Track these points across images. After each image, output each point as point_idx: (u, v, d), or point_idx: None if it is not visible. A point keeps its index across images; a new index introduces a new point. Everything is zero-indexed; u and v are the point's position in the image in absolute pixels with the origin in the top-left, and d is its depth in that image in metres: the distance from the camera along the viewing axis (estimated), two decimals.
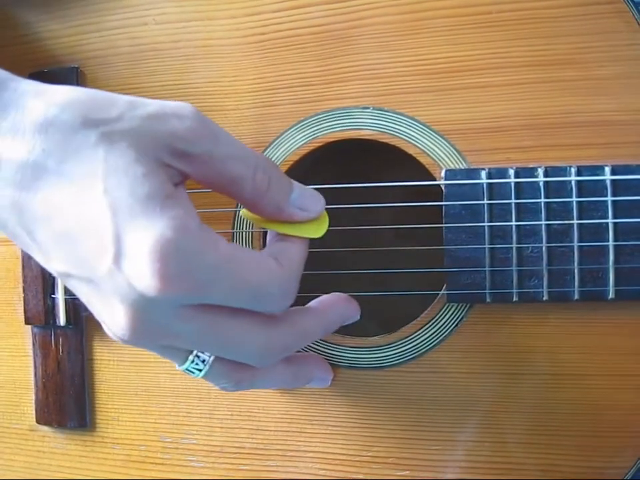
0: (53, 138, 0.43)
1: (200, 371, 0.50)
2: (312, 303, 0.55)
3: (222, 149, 0.46)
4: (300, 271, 0.49)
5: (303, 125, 0.62)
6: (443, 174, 0.59)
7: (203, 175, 0.46)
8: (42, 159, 0.43)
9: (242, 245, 0.63)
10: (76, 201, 0.42)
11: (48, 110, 0.43)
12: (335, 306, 0.56)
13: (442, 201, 0.58)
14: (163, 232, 0.41)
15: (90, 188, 0.42)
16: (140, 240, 0.41)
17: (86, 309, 0.48)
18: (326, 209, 0.52)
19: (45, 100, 0.44)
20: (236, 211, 0.63)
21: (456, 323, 0.59)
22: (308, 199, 0.51)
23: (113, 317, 0.44)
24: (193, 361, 0.49)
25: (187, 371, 0.50)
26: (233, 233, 0.63)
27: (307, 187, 0.51)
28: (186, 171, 0.45)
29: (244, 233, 0.63)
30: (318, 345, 0.62)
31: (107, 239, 0.42)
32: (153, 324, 0.44)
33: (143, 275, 0.41)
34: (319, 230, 0.51)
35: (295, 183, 0.51)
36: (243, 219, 0.63)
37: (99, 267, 0.42)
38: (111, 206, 0.41)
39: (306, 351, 0.62)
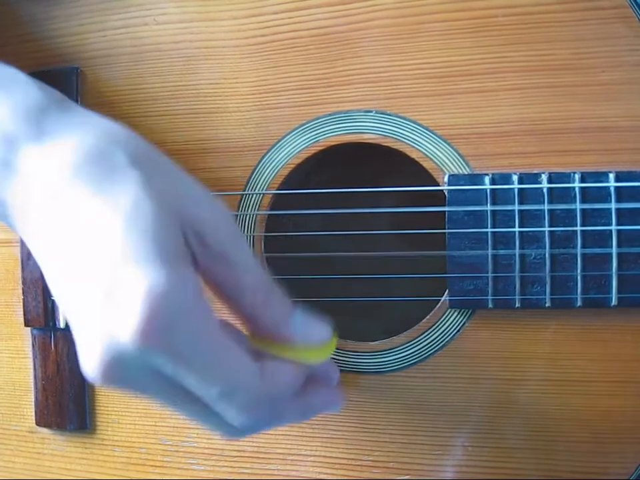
0: (99, 167, 0.43)
1: None
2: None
3: (237, 254, 0.46)
4: (279, 396, 0.47)
5: (305, 128, 0.62)
6: (446, 179, 0.58)
7: (210, 270, 0.46)
8: (82, 181, 0.43)
9: (245, 228, 0.63)
10: (93, 229, 0.42)
11: (107, 140, 0.45)
12: (318, 394, 0.52)
13: (445, 206, 0.58)
14: (161, 283, 0.40)
15: (111, 218, 0.42)
16: (136, 283, 0.40)
17: None
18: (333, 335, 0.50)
19: (105, 132, 0.45)
20: (242, 194, 0.63)
21: (458, 328, 0.59)
22: (310, 326, 0.49)
23: (88, 355, 0.43)
24: None
25: None
26: (237, 215, 0.63)
27: (310, 317, 0.49)
28: (198, 258, 0.45)
29: (247, 216, 0.63)
30: None
31: (105, 275, 0.41)
32: (123, 377, 0.43)
33: (126, 320, 0.40)
34: (320, 356, 0.50)
35: (299, 310, 0.49)
36: (248, 204, 0.62)
37: (90, 299, 0.42)
38: (123, 243, 0.41)
39: None
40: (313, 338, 0.49)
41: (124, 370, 0.42)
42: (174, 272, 0.41)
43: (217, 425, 0.47)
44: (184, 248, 0.44)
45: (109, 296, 0.41)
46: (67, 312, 0.45)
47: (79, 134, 0.45)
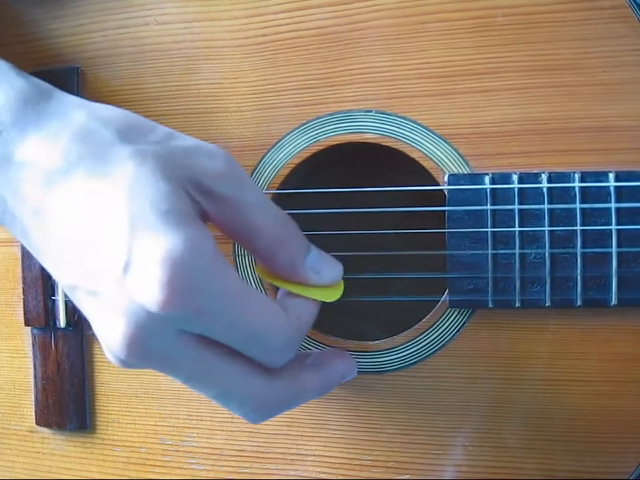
0: (89, 148, 0.44)
1: None
2: (310, 360, 0.53)
3: (246, 196, 0.46)
4: (306, 331, 0.49)
5: (305, 127, 0.62)
6: (446, 179, 0.58)
7: (222, 218, 0.46)
8: (74, 166, 0.43)
9: None
10: (97, 209, 0.42)
11: (90, 122, 0.45)
12: (335, 362, 0.53)
13: (445, 206, 0.58)
14: (175, 246, 0.40)
15: (113, 197, 0.42)
16: (151, 251, 0.41)
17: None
18: (344, 277, 0.51)
19: (88, 112, 0.45)
20: None
21: (458, 328, 0.59)
22: (324, 264, 0.50)
23: (111, 333, 0.43)
24: None
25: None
26: None
27: (326, 253, 0.51)
28: (206, 209, 0.45)
29: None
30: (318, 349, 0.62)
31: (119, 249, 0.41)
32: (150, 345, 0.43)
33: (147, 286, 0.41)
34: (333, 295, 0.50)
35: (314, 247, 0.50)
36: None
37: (106, 277, 0.42)
38: (130, 216, 0.41)
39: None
40: (326, 278, 0.50)
41: (151, 339, 0.43)
42: (186, 232, 0.41)
43: (239, 403, 0.47)
44: (190, 206, 0.44)
45: (126, 268, 0.41)
46: (79, 294, 0.45)
47: (64, 119, 0.45)
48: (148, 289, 0.41)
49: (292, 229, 0.49)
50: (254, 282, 0.62)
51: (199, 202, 0.45)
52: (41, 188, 0.44)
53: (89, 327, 0.64)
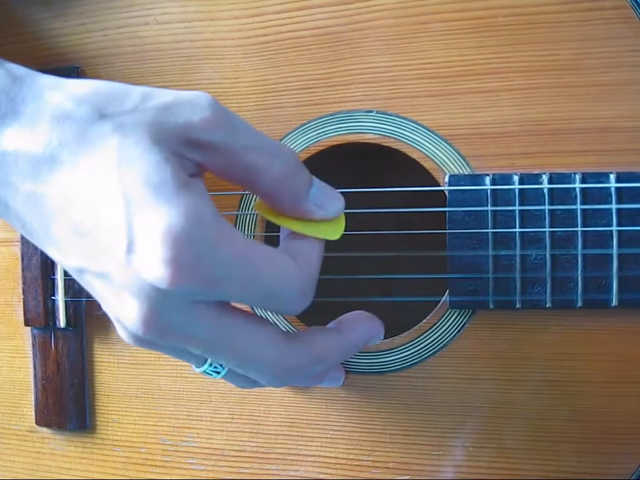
0: (69, 130, 0.43)
1: (218, 373, 0.49)
2: (333, 323, 0.53)
3: (240, 139, 0.45)
4: (317, 272, 0.47)
5: (306, 128, 0.62)
6: (446, 179, 0.58)
7: (219, 166, 0.45)
8: (58, 151, 0.43)
9: (244, 228, 0.63)
10: (90, 192, 0.42)
11: (65, 103, 0.43)
12: (357, 326, 0.53)
13: (445, 207, 0.58)
14: (175, 220, 0.40)
15: (104, 178, 0.41)
16: (151, 228, 0.40)
17: (92, 310, 0.47)
18: (344, 212, 0.50)
19: (62, 93, 0.44)
20: (242, 194, 0.63)
21: (458, 329, 0.59)
22: (328, 197, 0.49)
23: (125, 312, 0.43)
24: (211, 364, 0.49)
25: (205, 373, 0.49)
26: (237, 215, 0.63)
27: (328, 185, 0.50)
28: (201, 162, 0.44)
29: (247, 216, 0.63)
30: None
31: (119, 230, 0.41)
32: (166, 320, 0.43)
33: (152, 265, 0.40)
34: (335, 232, 0.49)
35: (316, 179, 0.49)
36: (248, 204, 0.62)
37: (111, 259, 0.42)
38: (124, 195, 0.41)
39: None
40: (329, 211, 0.49)
41: (166, 314, 0.42)
42: (183, 203, 0.41)
43: (258, 369, 0.47)
44: (183, 168, 0.43)
45: (129, 248, 0.41)
46: (87, 277, 0.45)
47: (39, 103, 0.44)
48: (154, 268, 0.40)
49: (293, 162, 0.47)
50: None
51: (191, 157, 0.44)
52: (29, 176, 0.43)
53: (89, 326, 0.66)
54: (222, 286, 0.42)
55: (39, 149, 0.43)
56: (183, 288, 0.41)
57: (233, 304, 0.46)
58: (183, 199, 0.41)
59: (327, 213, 0.49)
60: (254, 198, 0.63)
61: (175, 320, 0.43)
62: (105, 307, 0.46)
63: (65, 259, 0.45)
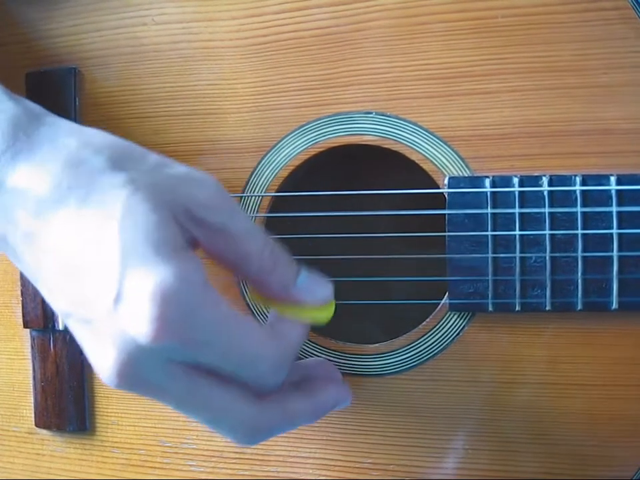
0: (81, 177, 0.43)
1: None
2: (305, 385, 0.53)
3: (236, 224, 0.46)
4: (295, 353, 0.49)
5: (305, 129, 0.61)
6: (446, 181, 0.58)
7: (212, 245, 0.46)
8: (65, 194, 0.43)
9: None
10: (89, 238, 0.42)
11: (81, 150, 0.44)
12: (327, 392, 0.53)
13: (445, 209, 0.58)
14: (166, 279, 0.41)
15: (105, 227, 0.42)
16: (142, 284, 0.41)
17: None
18: (335, 300, 0.52)
19: (79, 139, 0.45)
20: (240, 196, 0.63)
21: (458, 331, 0.59)
22: (315, 285, 0.50)
23: (103, 360, 0.43)
24: None
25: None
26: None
27: (315, 274, 0.51)
28: (198, 238, 0.46)
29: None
30: (319, 352, 0.62)
31: (110, 280, 0.41)
32: (141, 374, 0.43)
33: (137, 319, 0.41)
34: (324, 316, 0.51)
35: (303, 269, 0.51)
36: (247, 206, 0.62)
37: (98, 307, 0.42)
38: (122, 247, 0.41)
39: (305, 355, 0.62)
40: (317, 297, 0.50)
41: (141, 369, 0.43)
42: (177, 265, 0.41)
43: (230, 427, 0.48)
44: (181, 235, 0.44)
45: (117, 300, 0.41)
46: (71, 322, 0.45)
47: (54, 146, 0.45)
48: (138, 322, 0.41)
49: (281, 254, 0.49)
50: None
51: (189, 230, 0.45)
52: (32, 215, 0.44)
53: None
54: (200, 349, 0.43)
55: (46, 190, 0.43)
56: (163, 345, 0.41)
57: None
58: (178, 261, 0.42)
59: (314, 299, 0.50)
60: (253, 200, 0.63)
61: (149, 375, 0.44)
62: (86, 353, 0.46)
63: (52, 299, 0.46)
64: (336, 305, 0.52)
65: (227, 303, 0.44)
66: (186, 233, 0.45)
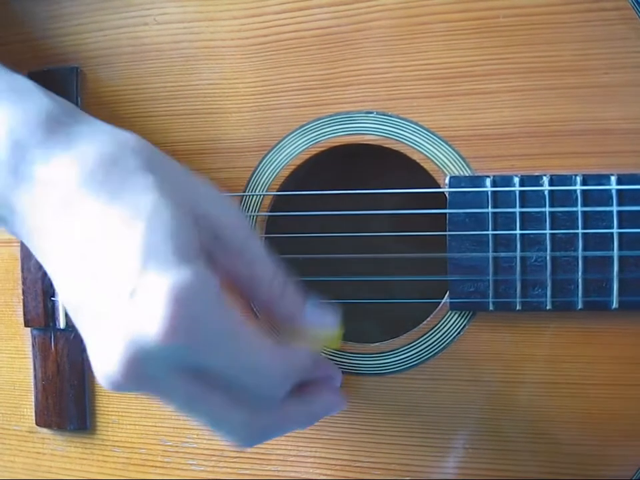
0: (114, 174, 0.44)
1: None
2: (299, 391, 0.53)
3: (252, 249, 0.48)
4: (301, 374, 0.50)
5: (306, 129, 0.62)
6: (447, 181, 0.58)
7: (227, 265, 0.48)
8: (97, 188, 0.44)
9: None
10: (113, 233, 0.43)
11: (117, 150, 0.45)
12: (321, 398, 0.53)
13: (446, 208, 0.58)
14: (183, 280, 0.41)
15: (131, 224, 0.43)
16: (159, 282, 0.41)
17: None
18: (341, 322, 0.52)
19: (116, 140, 0.46)
20: (242, 195, 0.63)
21: (459, 330, 0.59)
22: (322, 313, 0.51)
23: (109, 355, 0.43)
24: None
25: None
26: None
27: (323, 307, 0.52)
28: (214, 254, 0.47)
29: (247, 217, 0.63)
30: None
31: (129, 274, 0.42)
32: (146, 372, 0.43)
33: (151, 317, 0.41)
34: (333, 342, 0.52)
35: (310, 301, 0.51)
36: (248, 205, 0.63)
37: (112, 301, 0.42)
38: (145, 245, 0.42)
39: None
40: (324, 327, 0.51)
41: (147, 367, 0.43)
42: (195, 269, 0.42)
43: (230, 430, 0.48)
44: (201, 248, 0.45)
45: (132, 296, 0.42)
46: (81, 315, 0.45)
47: (91, 142, 0.46)
48: (151, 320, 0.41)
49: (290, 283, 0.51)
50: None
51: (208, 246, 0.46)
52: (59, 207, 0.44)
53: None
54: (208, 354, 0.43)
55: (79, 180, 0.44)
56: (172, 347, 0.41)
57: None
58: (197, 265, 0.43)
59: (321, 326, 0.51)
60: (254, 199, 0.63)
61: (154, 375, 0.44)
62: (89, 349, 0.45)
63: (66, 292, 0.45)
64: (343, 334, 0.53)
65: (239, 312, 0.45)
66: (204, 244, 0.46)
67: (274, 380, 0.47)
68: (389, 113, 0.60)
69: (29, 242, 0.47)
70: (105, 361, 0.43)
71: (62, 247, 0.44)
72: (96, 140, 0.46)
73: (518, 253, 0.56)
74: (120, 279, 0.42)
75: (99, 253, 0.43)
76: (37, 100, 0.47)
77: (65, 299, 0.46)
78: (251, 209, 0.63)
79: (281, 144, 0.62)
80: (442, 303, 0.59)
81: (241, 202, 0.63)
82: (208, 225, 0.46)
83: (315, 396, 0.53)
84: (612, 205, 0.55)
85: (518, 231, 0.56)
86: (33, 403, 0.68)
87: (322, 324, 0.51)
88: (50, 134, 0.46)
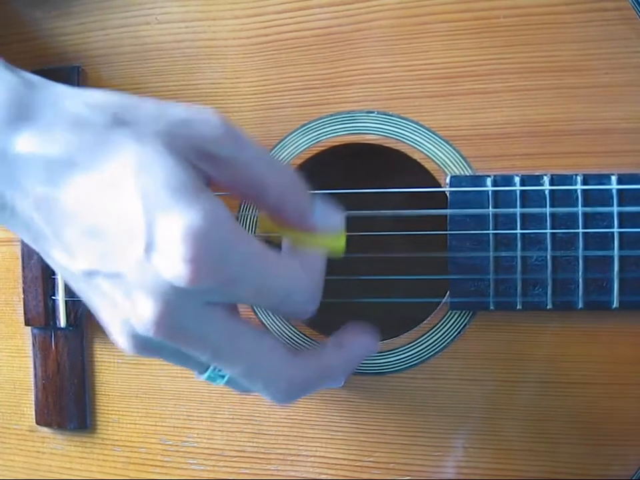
0: (86, 136, 0.44)
1: (223, 377, 0.49)
2: (333, 338, 0.54)
3: (247, 153, 0.47)
4: (322, 279, 0.50)
5: (307, 128, 0.62)
6: (447, 180, 0.58)
7: (227, 178, 0.47)
8: (76, 155, 0.43)
9: (245, 229, 0.63)
10: (106, 195, 0.43)
11: (83, 110, 0.44)
12: (357, 340, 0.54)
13: (446, 208, 0.58)
14: (195, 220, 0.41)
15: (121, 181, 0.42)
16: (172, 228, 0.41)
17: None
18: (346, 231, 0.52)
19: (80, 100, 0.45)
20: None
21: (459, 330, 0.59)
22: (330, 211, 0.51)
23: (138, 312, 0.43)
24: (214, 368, 0.49)
25: (208, 379, 0.50)
26: (238, 216, 0.63)
27: (327, 201, 0.51)
28: (211, 174, 0.46)
29: (248, 217, 0.63)
30: None
31: (137, 229, 0.42)
32: (180, 320, 0.43)
33: (172, 263, 0.41)
34: (338, 245, 0.52)
35: (317, 197, 0.51)
36: (248, 207, 0.63)
37: (128, 259, 0.42)
38: (143, 197, 0.42)
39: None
40: (331, 223, 0.51)
41: (181, 314, 0.43)
42: (202, 205, 0.42)
43: (264, 381, 0.48)
44: (199, 176, 0.45)
45: (149, 249, 0.42)
46: (99, 283, 0.45)
47: (57, 109, 0.45)
48: (175, 267, 0.41)
49: (298, 182, 0.50)
50: None
51: (203, 169, 0.45)
52: (44, 180, 0.44)
53: (89, 326, 0.66)
54: (238, 285, 0.44)
55: (55, 153, 0.43)
56: (201, 286, 0.42)
57: None
58: (202, 202, 0.42)
59: (328, 226, 0.51)
60: None
61: (188, 320, 0.44)
62: (107, 313, 0.46)
63: (74, 262, 0.45)
64: (347, 237, 0.52)
65: (254, 236, 0.45)
66: (200, 172, 0.45)
67: (305, 294, 0.47)
68: (390, 113, 0.60)
69: (14, 225, 0.46)
70: (135, 321, 0.44)
71: (59, 223, 0.44)
72: (60, 104, 0.45)
73: (518, 253, 0.56)
74: (131, 237, 0.42)
75: (102, 220, 0.43)
76: (1, 78, 0.46)
77: (73, 270, 0.45)
78: (251, 208, 0.63)
79: (282, 143, 0.62)
80: (442, 303, 0.59)
81: (242, 202, 0.63)
82: (195, 149, 0.45)
83: (351, 342, 0.53)
84: (612, 205, 0.55)
85: (519, 231, 0.56)
86: (33, 402, 0.68)
87: (329, 222, 0.51)
88: (14, 109, 0.44)
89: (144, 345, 0.45)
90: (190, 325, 0.44)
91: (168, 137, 0.44)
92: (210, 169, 0.46)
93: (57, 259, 0.46)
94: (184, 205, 0.41)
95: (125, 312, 0.45)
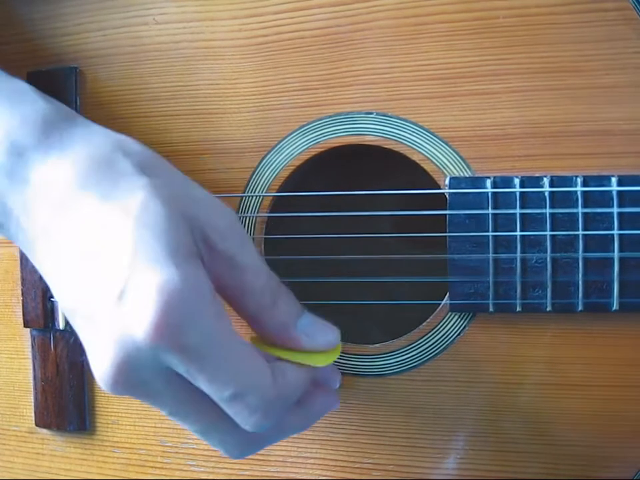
0: (108, 175, 0.44)
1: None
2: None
3: (245, 257, 0.47)
4: (291, 399, 0.48)
5: (306, 129, 0.61)
6: (447, 182, 0.58)
7: (217, 272, 0.46)
8: (90, 188, 0.44)
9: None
10: (103, 232, 0.43)
11: (112, 152, 0.45)
12: (315, 400, 0.52)
13: (446, 209, 0.58)
14: (173, 281, 0.41)
15: (121, 223, 0.42)
16: (148, 282, 0.41)
17: None
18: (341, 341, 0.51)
19: (112, 143, 0.46)
20: (241, 196, 0.63)
21: (458, 331, 0.59)
22: (318, 329, 0.50)
23: (101, 359, 0.43)
24: None
25: None
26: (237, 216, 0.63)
27: (320, 318, 0.50)
28: (205, 260, 0.45)
29: (246, 219, 0.63)
30: None
31: (118, 275, 0.41)
32: (137, 375, 0.43)
33: (139, 317, 0.41)
34: (323, 361, 0.49)
35: (307, 312, 0.50)
36: (248, 206, 0.62)
37: (102, 303, 0.42)
38: (134, 244, 0.42)
39: None
40: (319, 342, 0.49)
41: (137, 370, 0.43)
42: (186, 270, 0.42)
43: (220, 440, 0.48)
44: (194, 249, 0.44)
45: (122, 295, 0.41)
46: (76, 319, 0.45)
47: (86, 144, 0.46)
48: (139, 320, 0.41)
49: (284, 293, 0.49)
50: None
51: (200, 251, 0.45)
52: (53, 209, 0.44)
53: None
54: (195, 362, 0.42)
55: (72, 184, 0.44)
56: (161, 348, 0.41)
57: None
58: (187, 266, 0.42)
59: (315, 344, 0.49)
60: (254, 200, 0.63)
61: (144, 378, 0.43)
62: (87, 353, 0.45)
63: (60, 295, 0.46)
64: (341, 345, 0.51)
65: (230, 322, 0.44)
66: (197, 250, 0.45)
67: (262, 399, 0.44)
68: (389, 114, 0.60)
69: (24, 245, 0.47)
70: (99, 364, 0.43)
71: (55, 249, 0.44)
72: (90, 142, 0.46)
73: (518, 254, 0.56)
74: (109, 281, 0.42)
75: (90, 254, 0.43)
76: (34, 103, 0.47)
77: (61, 302, 0.46)
78: (250, 209, 0.63)
79: (280, 144, 0.62)
80: (442, 304, 0.59)
81: (241, 202, 0.63)
82: (201, 230, 0.45)
83: (312, 399, 0.52)
84: (612, 206, 0.55)
85: (518, 232, 0.56)
86: (33, 404, 0.68)
87: (315, 340, 0.49)
88: (46, 137, 0.46)
89: (110, 389, 0.44)
90: (146, 383, 0.44)
91: (181, 204, 0.44)
92: (205, 255, 0.45)
93: (50, 288, 0.47)
94: (168, 264, 0.41)
95: (92, 356, 0.44)
